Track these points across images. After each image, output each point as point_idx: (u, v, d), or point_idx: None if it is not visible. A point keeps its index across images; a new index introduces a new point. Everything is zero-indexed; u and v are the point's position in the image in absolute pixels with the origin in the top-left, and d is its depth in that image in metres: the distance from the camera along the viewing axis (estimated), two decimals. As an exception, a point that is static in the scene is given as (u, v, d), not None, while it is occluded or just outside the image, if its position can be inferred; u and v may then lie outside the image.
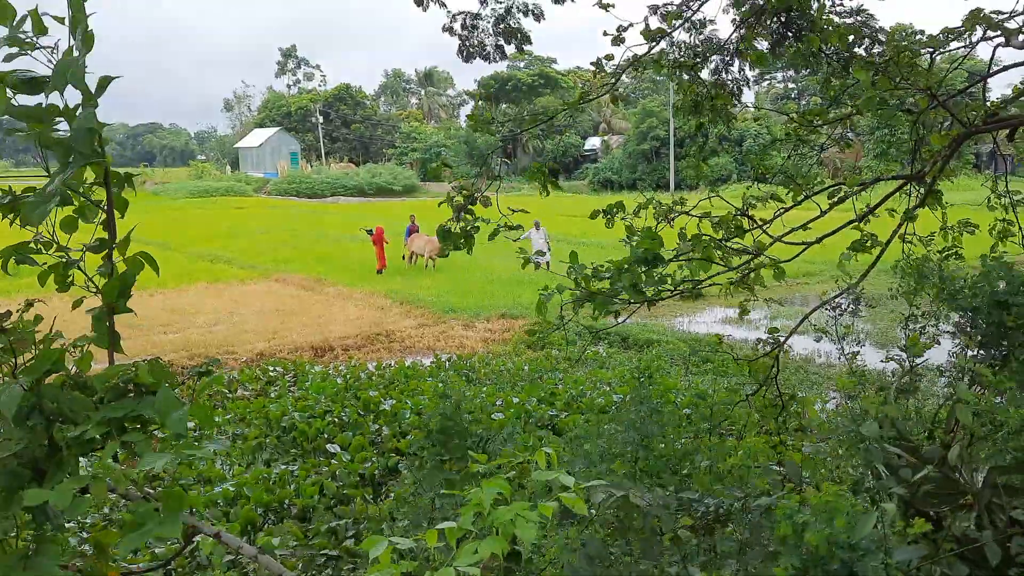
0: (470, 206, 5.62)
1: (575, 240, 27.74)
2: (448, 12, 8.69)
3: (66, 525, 1.92)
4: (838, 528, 3.33)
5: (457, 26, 8.74)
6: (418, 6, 8.46)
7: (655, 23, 6.43)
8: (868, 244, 5.25)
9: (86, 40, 1.99)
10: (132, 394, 2.12)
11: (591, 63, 6.38)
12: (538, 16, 8.60)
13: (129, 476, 1.98)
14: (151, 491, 2.08)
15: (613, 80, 6.69)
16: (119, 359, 2.20)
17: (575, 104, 6.47)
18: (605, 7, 5.78)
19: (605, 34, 6.02)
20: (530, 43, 8.83)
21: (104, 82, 2.06)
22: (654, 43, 6.21)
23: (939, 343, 6.27)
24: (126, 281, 2.18)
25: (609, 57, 6.13)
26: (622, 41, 6.02)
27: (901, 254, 6.07)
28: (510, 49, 8.86)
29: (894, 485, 4.16)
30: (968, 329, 5.70)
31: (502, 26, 8.51)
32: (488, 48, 8.73)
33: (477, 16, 8.61)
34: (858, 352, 6.85)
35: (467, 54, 8.84)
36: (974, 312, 5.65)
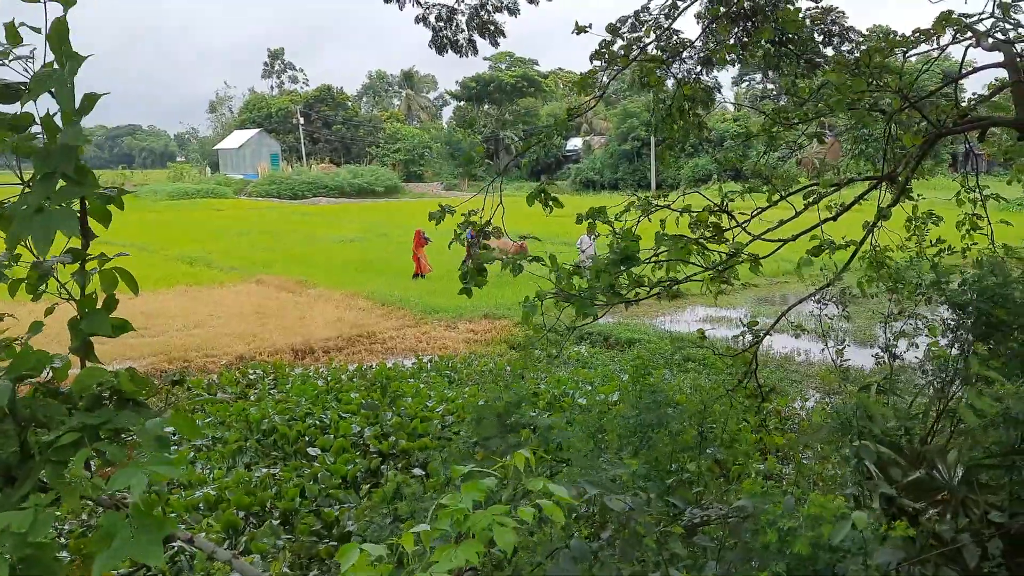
0: (483, 240, 5.52)
1: (557, 240, 27.70)
2: (424, 2, 8.63)
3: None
4: (822, 533, 3.36)
5: (432, 17, 8.71)
6: (387, 1, 8.43)
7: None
8: (825, 250, 5.32)
9: (71, 58, 1.95)
10: (109, 402, 2.10)
11: (575, 82, 6.41)
12: (513, 11, 8.56)
13: (100, 487, 1.95)
14: (126, 498, 2.04)
15: (599, 93, 6.71)
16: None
17: (563, 123, 6.45)
18: (581, 30, 5.82)
19: (593, 56, 6.07)
20: (504, 36, 8.76)
21: (91, 99, 2.01)
22: (633, 49, 6.25)
23: (916, 345, 6.32)
24: (109, 307, 2.18)
25: (593, 72, 6.16)
26: (603, 56, 6.06)
27: (869, 248, 6.13)
28: (484, 44, 8.82)
29: (881, 483, 4.21)
30: (955, 324, 5.73)
31: (476, 20, 8.47)
32: (461, 42, 8.68)
33: (453, 10, 8.57)
34: (845, 345, 6.91)
35: (439, 46, 8.79)
36: (962, 307, 5.67)
